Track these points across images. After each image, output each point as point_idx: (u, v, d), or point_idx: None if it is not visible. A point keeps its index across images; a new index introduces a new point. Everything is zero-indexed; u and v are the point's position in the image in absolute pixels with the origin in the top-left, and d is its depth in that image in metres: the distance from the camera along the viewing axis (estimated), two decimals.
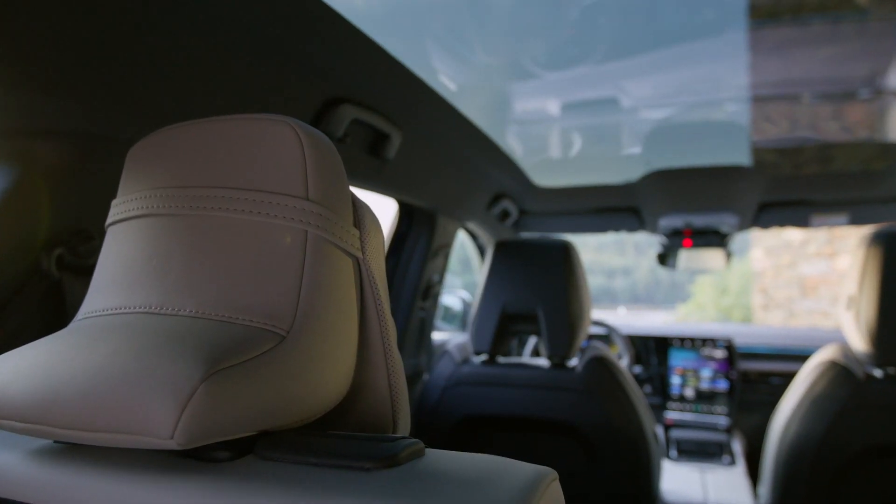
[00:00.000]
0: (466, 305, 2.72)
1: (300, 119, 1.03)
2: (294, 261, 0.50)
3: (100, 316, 0.51)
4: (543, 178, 2.17)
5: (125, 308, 0.50)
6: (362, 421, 0.57)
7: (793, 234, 7.18)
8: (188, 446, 0.40)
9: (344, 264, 0.53)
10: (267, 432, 0.48)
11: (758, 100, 1.72)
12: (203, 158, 0.53)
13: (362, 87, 1.13)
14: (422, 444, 0.49)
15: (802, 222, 2.19)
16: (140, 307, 0.49)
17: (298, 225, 0.50)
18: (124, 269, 0.52)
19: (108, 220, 0.56)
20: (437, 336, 2.42)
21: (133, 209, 0.54)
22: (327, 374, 0.51)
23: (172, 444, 0.40)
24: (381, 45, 1.07)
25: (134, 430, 0.41)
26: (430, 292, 1.91)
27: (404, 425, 0.59)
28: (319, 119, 1.09)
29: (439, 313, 2.87)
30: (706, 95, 1.74)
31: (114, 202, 0.56)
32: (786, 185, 2.03)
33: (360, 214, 0.57)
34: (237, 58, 0.88)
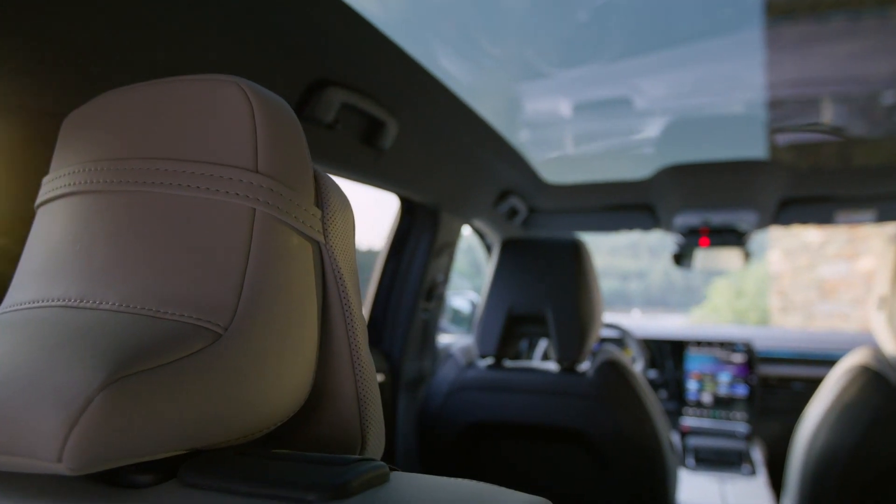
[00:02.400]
0: (475, 307, 2.64)
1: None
2: (237, 244, 0.42)
3: (16, 311, 0.43)
4: (553, 175, 2.08)
5: (43, 301, 0.42)
6: (324, 437, 0.48)
7: (811, 236, 7.02)
8: (82, 471, 0.32)
9: (300, 249, 0.45)
10: (199, 451, 0.40)
11: (775, 98, 1.66)
12: (140, 126, 0.45)
13: (352, 69, 1.05)
14: (385, 469, 0.41)
15: (826, 219, 2.08)
16: (58, 300, 0.42)
17: (244, 201, 0.42)
18: (47, 256, 0.44)
19: (38, 200, 0.49)
20: (446, 339, 2.34)
21: (60, 186, 0.46)
22: (277, 379, 0.43)
23: (62, 469, 0.32)
24: (373, 22, 0.99)
25: (19, 451, 0.33)
26: (433, 293, 1.82)
27: (376, 442, 0.51)
28: (305, 102, 1.01)
29: (447, 315, 2.80)
30: (722, 94, 1.68)
31: (45, 179, 0.49)
32: (808, 181, 1.93)
33: (324, 192, 0.49)
34: (205, 33, 0.80)
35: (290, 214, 0.44)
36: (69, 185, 0.45)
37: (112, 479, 0.39)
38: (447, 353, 1.58)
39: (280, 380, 0.43)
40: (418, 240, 1.75)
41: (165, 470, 0.39)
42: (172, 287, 0.41)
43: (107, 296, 0.41)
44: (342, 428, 0.48)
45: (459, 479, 0.41)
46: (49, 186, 0.48)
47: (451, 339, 2.40)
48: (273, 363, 0.42)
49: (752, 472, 2.17)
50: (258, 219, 0.43)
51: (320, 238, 0.47)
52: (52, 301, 0.42)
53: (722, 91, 1.67)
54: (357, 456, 0.41)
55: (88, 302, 0.41)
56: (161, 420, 0.35)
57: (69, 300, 0.41)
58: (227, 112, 0.44)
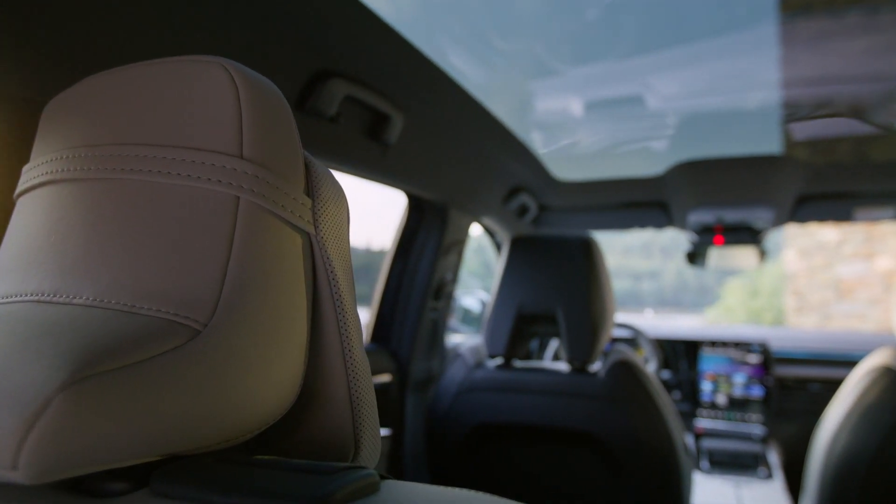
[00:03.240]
0: (486, 307, 2.60)
1: (286, 95, 0.93)
2: (219, 234, 0.39)
3: None
4: (564, 171, 2.04)
5: (16, 296, 0.40)
6: (315, 442, 0.46)
7: (828, 235, 6.92)
8: (40, 479, 0.29)
9: (288, 241, 0.42)
10: (176, 457, 0.37)
11: (790, 94, 1.62)
12: (119, 111, 0.43)
13: (355, 60, 1.02)
14: (375, 478, 0.38)
15: (844, 216, 2.03)
16: (31, 294, 0.39)
17: (227, 189, 0.39)
18: (22, 248, 0.42)
19: (17, 190, 0.46)
20: (457, 339, 2.31)
21: (38, 175, 0.44)
22: (261, 380, 0.40)
23: (18, 477, 0.29)
24: (377, 12, 0.96)
25: None
26: (442, 291, 1.79)
27: (370, 448, 0.48)
28: (306, 94, 0.99)
29: (458, 315, 2.77)
30: (736, 91, 1.65)
31: (24, 168, 0.47)
32: (826, 176, 1.88)
33: (316, 180, 0.46)
34: (200, 19, 0.78)
35: (277, 203, 0.42)
36: (46, 173, 0.43)
37: (81, 486, 0.36)
38: (456, 353, 1.55)
39: (265, 380, 0.40)
40: (426, 238, 1.72)
41: (140, 477, 0.37)
42: (149, 280, 0.38)
43: (80, 290, 0.38)
44: (334, 432, 0.46)
45: (454, 489, 0.38)
46: (28, 175, 0.45)
47: (461, 339, 2.37)
48: (257, 362, 0.39)
49: (769, 476, 2.12)
50: (242, 207, 0.40)
51: (310, 229, 0.45)
52: (25, 296, 0.39)
53: (736, 87, 1.64)
54: (344, 464, 0.38)
55: (61, 296, 0.38)
56: (131, 423, 0.33)
57: (42, 295, 0.39)
58: (210, 94, 0.41)
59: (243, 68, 0.43)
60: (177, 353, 0.35)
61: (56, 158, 0.43)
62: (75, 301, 0.38)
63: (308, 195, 0.45)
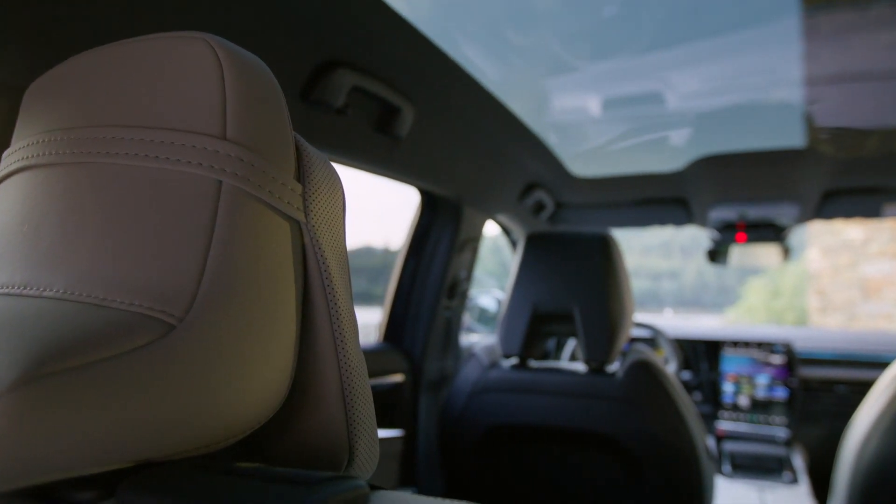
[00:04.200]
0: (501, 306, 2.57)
1: (290, 86, 0.90)
2: (199, 221, 0.36)
3: None
4: (581, 167, 2.00)
5: None
6: (307, 447, 0.42)
7: (853, 233, 6.78)
8: None
9: (275, 229, 0.39)
10: (150, 464, 0.34)
11: (814, 89, 1.58)
12: (98, 92, 0.40)
13: (363, 50, 0.99)
14: (364, 489, 0.34)
15: (873, 213, 1.96)
16: (2, 287, 0.36)
17: (208, 172, 0.36)
18: None
19: None
20: (473, 339, 2.27)
21: (15, 161, 0.41)
22: (244, 380, 0.37)
23: None
24: (385, 0, 0.93)
25: None
26: (456, 290, 1.76)
27: (366, 454, 0.44)
28: (312, 85, 0.96)
29: (474, 315, 2.73)
30: (758, 86, 1.61)
31: (4, 154, 0.44)
32: (854, 171, 1.81)
33: (307, 165, 0.43)
34: (201, 5, 0.75)
35: (263, 188, 0.38)
36: (22, 158, 0.40)
37: (45, 495, 0.33)
38: (470, 353, 1.52)
39: (248, 381, 0.37)
40: (440, 235, 1.69)
41: (110, 486, 0.34)
42: (124, 271, 0.35)
43: (52, 282, 0.36)
44: (326, 437, 0.42)
45: (447, 500, 0.34)
46: (6, 162, 0.43)
47: (478, 338, 2.34)
48: (240, 360, 0.36)
49: (794, 480, 2.05)
50: (225, 193, 0.37)
51: (300, 217, 0.41)
52: None
53: (758, 82, 1.59)
54: (330, 473, 0.35)
55: (32, 289, 0.36)
56: (95, 427, 0.30)
57: (12, 287, 0.36)
58: (191, 72, 0.38)
59: (229, 44, 0.40)
60: (148, 349, 0.32)
61: (33, 143, 0.40)
62: (46, 294, 0.35)
63: (299, 180, 0.42)
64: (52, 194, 0.38)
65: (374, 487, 0.36)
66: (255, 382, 0.38)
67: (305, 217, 0.42)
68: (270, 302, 0.38)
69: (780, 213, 1.97)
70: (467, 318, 2.66)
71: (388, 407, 1.59)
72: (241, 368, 0.37)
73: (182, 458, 0.36)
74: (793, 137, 1.79)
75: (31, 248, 0.37)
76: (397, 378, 1.61)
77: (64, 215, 0.37)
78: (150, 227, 0.36)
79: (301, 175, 0.42)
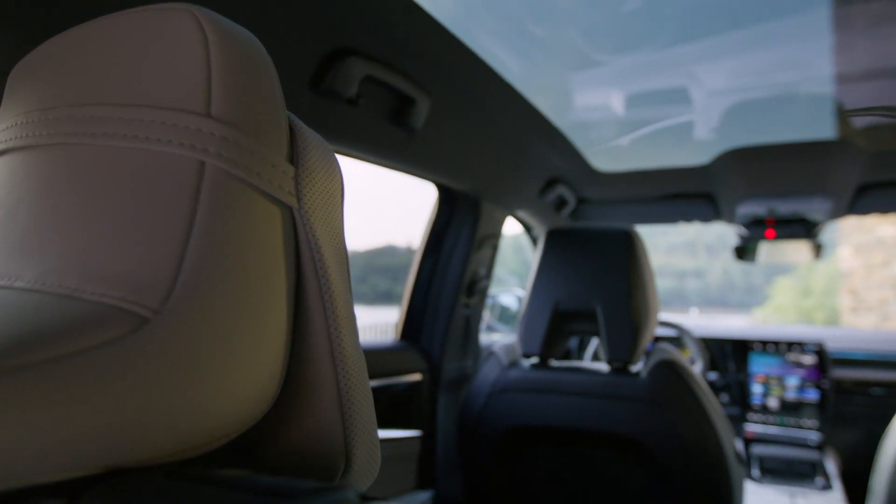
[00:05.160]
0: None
1: (299, 75, 0.87)
2: (179, 205, 0.33)
3: None
4: (604, 161, 1.95)
5: None
6: (301, 451, 0.39)
7: (886, 230, 6.60)
8: None
9: (264, 214, 0.36)
10: (121, 470, 0.31)
11: (846, 82, 1.52)
12: (77, 69, 0.37)
13: (375, 38, 0.96)
14: (353, 501, 0.31)
15: None
16: None
17: (189, 152, 0.33)
18: None
19: None
20: (495, 338, 2.23)
21: None
22: (228, 380, 0.33)
23: None
24: None
25: None
26: (475, 287, 1.72)
27: (365, 461, 0.41)
28: (322, 74, 0.93)
29: (495, 313, 2.69)
30: (787, 79, 1.55)
31: None
32: (891, 163, 1.73)
33: (301, 146, 0.39)
34: None
35: (251, 170, 0.35)
36: (1, 142, 0.38)
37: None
38: (489, 352, 1.48)
39: (232, 380, 0.34)
40: (458, 231, 1.66)
41: (75, 495, 0.31)
42: (97, 260, 0.32)
43: (24, 271, 0.33)
44: (321, 442, 0.39)
45: None
46: None
47: (499, 337, 2.30)
48: (222, 358, 0.33)
49: (828, 486, 1.98)
50: (208, 174, 0.34)
51: (292, 201, 0.38)
52: None
53: (787, 75, 1.54)
54: (316, 484, 0.32)
55: (3, 280, 0.33)
56: (56, 430, 0.27)
57: None
58: (174, 45, 0.35)
59: (216, 16, 0.37)
60: (118, 344, 0.29)
61: (11, 126, 0.38)
62: (16, 284, 0.32)
63: (292, 163, 0.39)
64: (27, 178, 0.35)
65: (366, 498, 0.33)
66: (240, 382, 0.34)
67: (298, 202, 0.39)
68: (258, 294, 0.35)
69: (811, 208, 1.90)
70: (488, 317, 2.62)
71: (406, 407, 1.56)
72: (224, 367, 0.33)
73: (159, 464, 0.33)
74: (825, 129, 1.72)
75: (3, 237, 0.34)
76: (415, 377, 1.57)
77: (38, 201, 0.34)
78: (126, 212, 0.33)
79: (294, 157, 0.39)
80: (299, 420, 0.39)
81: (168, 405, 0.31)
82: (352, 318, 0.42)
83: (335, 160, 0.43)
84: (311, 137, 0.41)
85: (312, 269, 0.39)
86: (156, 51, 0.35)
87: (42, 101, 0.38)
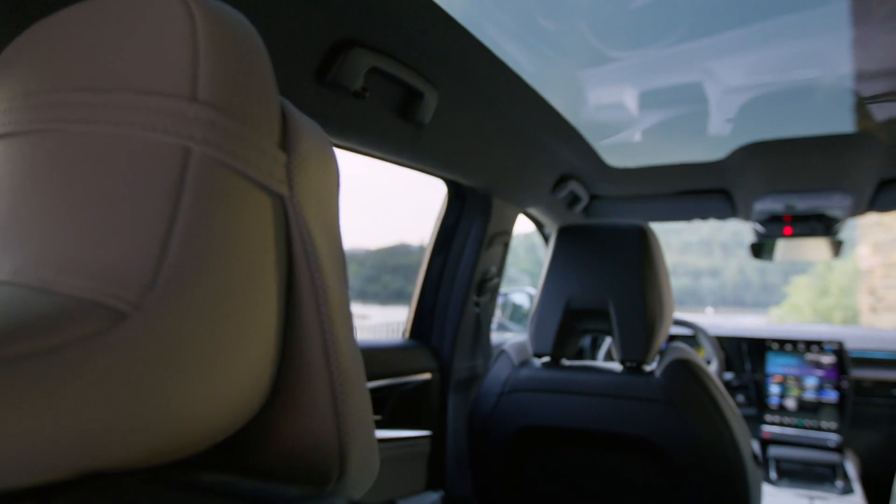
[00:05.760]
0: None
1: (303, 67, 0.85)
2: (162, 194, 0.31)
3: None
4: (617, 157, 1.91)
5: None
6: (290, 457, 0.37)
7: None
8: None
9: (252, 203, 0.34)
10: (98, 475, 0.29)
11: (865, 77, 1.48)
12: (61, 54, 0.35)
13: (382, 29, 0.94)
14: None
15: None
16: None
17: (174, 138, 0.31)
18: None
19: None
20: (507, 337, 2.21)
21: None
22: (213, 379, 0.31)
23: None
24: None
25: None
26: (486, 286, 1.70)
27: (361, 465, 0.39)
28: (327, 66, 0.91)
29: (507, 312, 2.67)
30: (806, 73, 1.51)
31: None
32: None
33: (294, 132, 0.37)
34: None
35: (239, 156, 0.33)
36: None
37: None
38: (500, 351, 1.46)
39: (218, 380, 0.32)
40: (469, 228, 1.63)
41: (48, 499, 0.29)
42: (76, 251, 0.31)
43: (1, 264, 0.31)
44: (314, 446, 0.37)
45: None
46: None
47: (511, 336, 2.27)
48: (206, 356, 0.31)
49: (849, 490, 1.93)
50: (193, 161, 0.32)
51: (283, 190, 0.36)
52: None
53: (805, 69, 1.50)
54: (302, 490, 0.29)
55: None
56: (26, 431, 0.25)
57: None
58: (161, 26, 0.33)
59: None
60: (94, 340, 0.27)
61: None
62: None
63: (282, 149, 0.36)
64: (8, 168, 0.34)
65: None
66: (227, 382, 0.32)
67: (290, 191, 0.36)
68: (246, 288, 0.33)
69: (830, 203, 1.86)
70: (500, 316, 2.60)
71: (415, 406, 1.54)
72: (209, 365, 0.31)
73: (142, 468, 0.31)
74: (844, 122, 1.68)
75: None
76: (425, 377, 1.55)
77: (18, 190, 0.33)
78: (107, 201, 0.31)
79: (286, 144, 0.37)
80: (291, 422, 0.37)
81: (148, 405, 0.29)
82: (347, 314, 0.40)
83: (331, 149, 0.41)
84: (305, 124, 0.39)
85: (305, 262, 0.37)
86: (141, 33, 0.33)
87: (26, 87, 0.36)
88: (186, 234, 0.31)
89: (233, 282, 0.33)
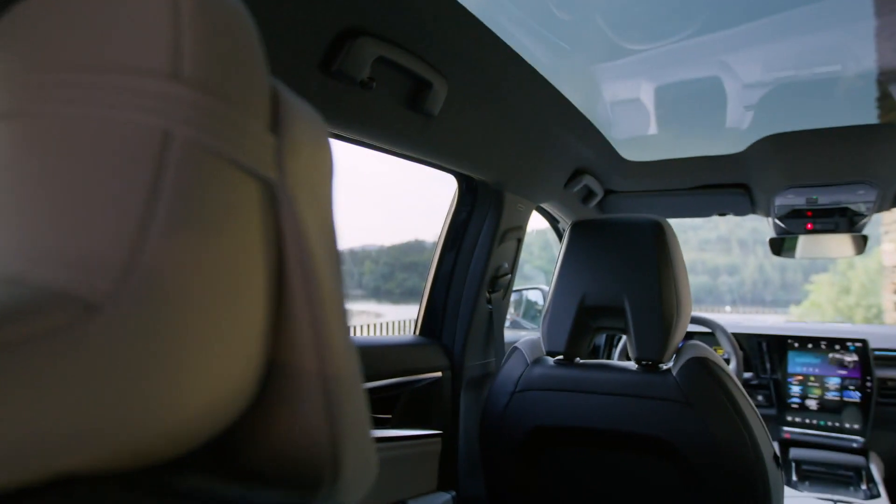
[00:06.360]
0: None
1: (308, 56, 0.83)
2: (139, 179, 0.29)
3: None
4: (633, 151, 1.87)
5: None
6: (281, 458, 0.34)
7: None
8: None
9: (238, 188, 0.32)
10: (74, 478, 0.27)
11: (889, 66, 1.44)
12: (42, 35, 0.33)
13: (388, 16, 0.91)
14: None
15: None
16: None
17: (152, 119, 0.29)
18: None
19: None
20: (522, 335, 2.18)
21: None
22: (195, 376, 0.29)
23: None
24: None
25: None
26: (498, 282, 1.67)
27: (356, 470, 0.36)
28: (332, 55, 0.88)
29: (521, 309, 2.63)
30: (827, 65, 1.47)
31: None
32: None
33: (285, 114, 0.35)
34: None
35: (223, 138, 0.31)
36: None
37: None
38: (513, 349, 1.43)
39: (199, 377, 0.29)
40: (480, 224, 1.60)
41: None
42: (48, 241, 0.28)
43: None
44: (305, 446, 0.34)
45: None
46: None
47: (526, 335, 2.24)
48: (186, 351, 0.29)
49: (874, 494, 1.87)
50: (174, 143, 0.29)
51: (272, 175, 0.33)
52: None
53: (826, 61, 1.46)
54: (285, 498, 0.27)
55: None
56: None
57: None
58: (141, 2, 0.31)
59: None
60: (64, 333, 0.25)
61: None
62: None
63: (273, 132, 0.34)
64: None
65: None
66: (209, 379, 0.30)
67: (280, 177, 0.34)
68: (231, 278, 0.31)
69: (854, 198, 1.80)
70: (516, 314, 2.57)
71: (426, 405, 1.51)
72: (188, 361, 0.29)
73: (118, 471, 0.28)
74: (869, 112, 1.62)
75: None
76: (436, 375, 1.53)
77: None
78: (82, 188, 0.29)
79: (277, 126, 0.35)
80: (280, 422, 0.35)
81: (124, 403, 0.26)
82: (341, 308, 0.38)
83: (325, 133, 0.38)
84: (297, 106, 0.37)
85: (295, 252, 0.34)
86: (120, 8, 0.31)
87: (3, 71, 0.34)
88: (167, 222, 0.29)
89: (217, 272, 0.30)
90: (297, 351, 0.35)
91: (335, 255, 0.38)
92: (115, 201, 0.29)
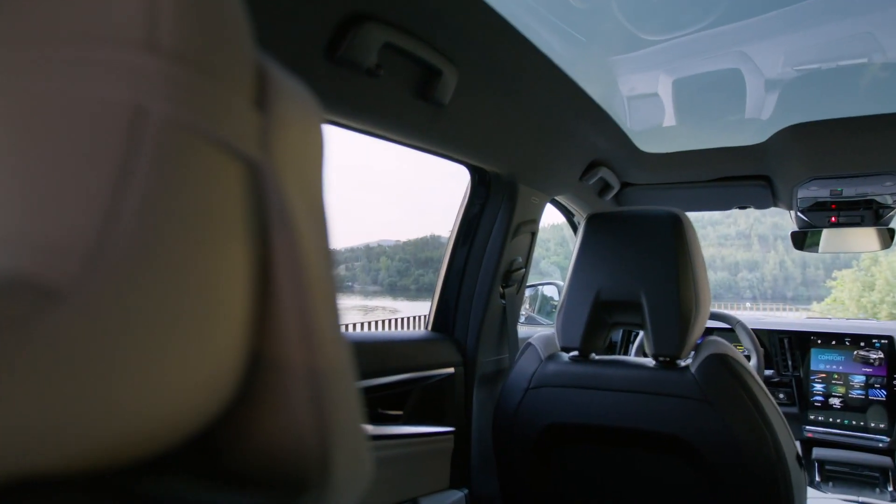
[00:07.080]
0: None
1: (313, 43, 0.80)
2: (109, 157, 0.26)
3: None
4: (650, 142, 1.83)
5: None
6: (266, 457, 0.32)
7: None
8: None
9: (218, 167, 0.29)
10: (36, 480, 0.25)
11: None
12: (12, 7, 0.31)
13: (395, 0, 0.88)
14: None
15: None
16: None
17: (126, 94, 0.27)
18: None
19: None
20: (538, 331, 2.15)
21: None
22: (169, 369, 0.27)
23: None
24: None
25: None
26: (512, 277, 1.64)
27: (347, 471, 0.34)
28: (338, 41, 0.86)
29: (536, 305, 2.60)
30: (851, 55, 1.42)
31: None
32: None
33: (272, 91, 0.32)
34: None
35: (204, 114, 0.28)
36: None
37: None
38: (527, 344, 1.40)
39: (174, 370, 0.27)
40: (493, 217, 1.57)
41: None
42: (11, 223, 0.26)
43: None
44: (291, 445, 0.32)
45: None
46: None
47: (542, 330, 2.21)
48: (159, 342, 0.26)
49: None
50: (148, 119, 0.27)
51: (257, 155, 0.31)
52: None
53: (850, 50, 1.41)
54: (266, 501, 0.24)
55: None
56: None
57: None
58: None
59: None
60: (22, 322, 0.23)
61: None
62: None
63: (258, 107, 0.31)
64: None
65: None
66: (184, 373, 0.27)
67: (265, 156, 0.31)
68: (210, 264, 0.28)
69: (881, 190, 1.74)
70: (529, 309, 2.54)
71: (439, 401, 1.49)
72: (161, 353, 0.26)
73: (86, 472, 0.26)
74: (894, 102, 1.57)
75: None
76: (448, 370, 1.50)
77: None
78: (45, 166, 0.27)
79: (264, 103, 0.32)
80: (265, 419, 0.32)
81: (89, 398, 0.24)
82: (331, 298, 0.35)
83: (315, 111, 0.36)
84: (285, 83, 0.34)
85: (282, 238, 0.32)
86: None
87: None
88: (139, 203, 0.26)
89: (195, 257, 0.28)
90: (283, 342, 0.32)
91: (325, 241, 0.36)
92: (81, 181, 0.26)
